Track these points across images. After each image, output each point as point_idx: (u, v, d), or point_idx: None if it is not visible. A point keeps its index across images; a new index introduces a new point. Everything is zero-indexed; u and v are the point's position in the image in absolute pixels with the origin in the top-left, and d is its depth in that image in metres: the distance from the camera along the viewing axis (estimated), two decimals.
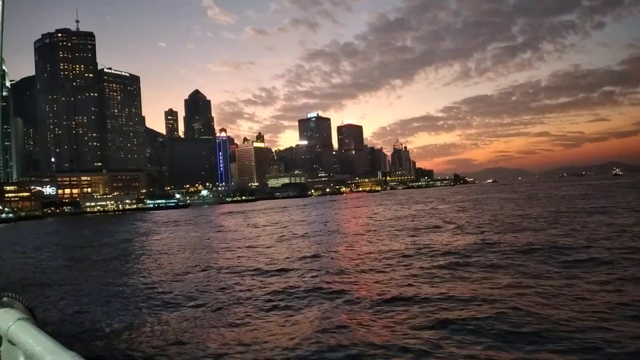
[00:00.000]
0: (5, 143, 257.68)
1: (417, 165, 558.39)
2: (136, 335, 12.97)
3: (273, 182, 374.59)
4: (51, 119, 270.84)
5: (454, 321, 11.78)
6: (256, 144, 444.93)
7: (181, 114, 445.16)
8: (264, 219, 72.35)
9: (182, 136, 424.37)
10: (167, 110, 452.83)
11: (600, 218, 35.47)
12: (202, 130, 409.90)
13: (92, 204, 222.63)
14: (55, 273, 27.08)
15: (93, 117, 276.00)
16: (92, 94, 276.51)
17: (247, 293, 17.30)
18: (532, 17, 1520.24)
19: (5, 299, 2.12)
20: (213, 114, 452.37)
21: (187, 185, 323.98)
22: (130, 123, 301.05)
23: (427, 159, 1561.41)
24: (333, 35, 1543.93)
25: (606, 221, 32.83)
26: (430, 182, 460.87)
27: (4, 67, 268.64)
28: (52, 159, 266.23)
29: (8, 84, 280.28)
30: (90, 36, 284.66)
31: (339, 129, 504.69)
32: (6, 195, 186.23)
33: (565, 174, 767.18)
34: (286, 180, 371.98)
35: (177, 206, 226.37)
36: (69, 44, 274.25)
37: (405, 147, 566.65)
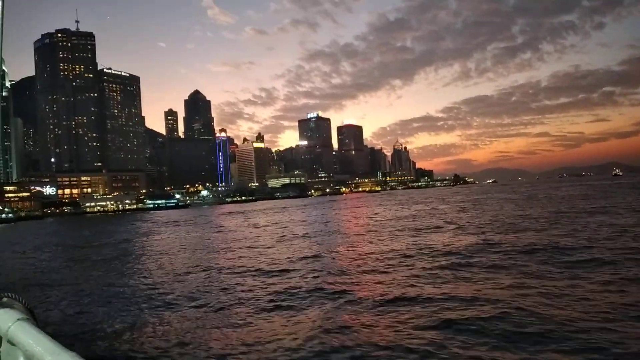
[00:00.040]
0: (5, 143, 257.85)
1: (417, 165, 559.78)
2: (138, 335, 12.88)
3: (273, 183, 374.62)
4: (51, 119, 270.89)
5: (458, 321, 11.73)
6: (256, 144, 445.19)
7: (181, 114, 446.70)
8: (264, 219, 72.25)
9: (182, 136, 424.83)
10: (167, 110, 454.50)
11: (601, 218, 35.38)
12: (202, 130, 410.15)
13: (92, 204, 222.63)
14: (55, 273, 27.00)
15: (93, 117, 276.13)
16: (92, 94, 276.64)
17: (249, 293, 17.22)
18: (532, 18, 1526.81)
19: (5, 299, 2.11)
20: (213, 114, 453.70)
21: (187, 186, 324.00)
22: (130, 123, 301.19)
23: (427, 159, 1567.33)
24: (333, 36, 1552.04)
25: (607, 221, 32.72)
26: (430, 183, 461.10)
27: (4, 67, 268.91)
28: (52, 159, 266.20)
29: (8, 84, 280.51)
30: (90, 36, 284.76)
31: (339, 129, 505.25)
32: (6, 195, 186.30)
33: (565, 175, 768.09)
34: (286, 181, 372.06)
35: (177, 206, 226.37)
36: (69, 44, 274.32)
37: (405, 148, 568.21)
